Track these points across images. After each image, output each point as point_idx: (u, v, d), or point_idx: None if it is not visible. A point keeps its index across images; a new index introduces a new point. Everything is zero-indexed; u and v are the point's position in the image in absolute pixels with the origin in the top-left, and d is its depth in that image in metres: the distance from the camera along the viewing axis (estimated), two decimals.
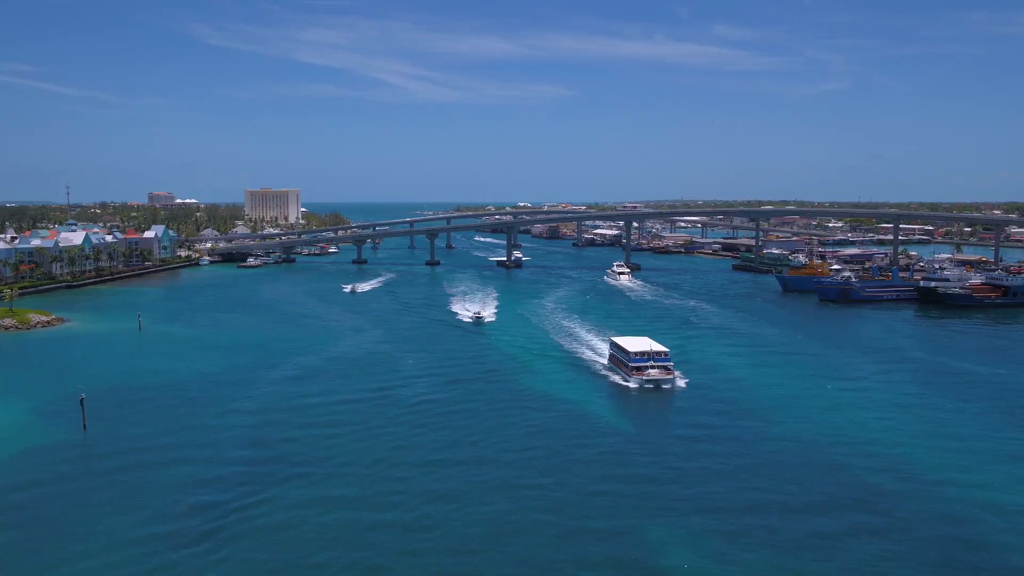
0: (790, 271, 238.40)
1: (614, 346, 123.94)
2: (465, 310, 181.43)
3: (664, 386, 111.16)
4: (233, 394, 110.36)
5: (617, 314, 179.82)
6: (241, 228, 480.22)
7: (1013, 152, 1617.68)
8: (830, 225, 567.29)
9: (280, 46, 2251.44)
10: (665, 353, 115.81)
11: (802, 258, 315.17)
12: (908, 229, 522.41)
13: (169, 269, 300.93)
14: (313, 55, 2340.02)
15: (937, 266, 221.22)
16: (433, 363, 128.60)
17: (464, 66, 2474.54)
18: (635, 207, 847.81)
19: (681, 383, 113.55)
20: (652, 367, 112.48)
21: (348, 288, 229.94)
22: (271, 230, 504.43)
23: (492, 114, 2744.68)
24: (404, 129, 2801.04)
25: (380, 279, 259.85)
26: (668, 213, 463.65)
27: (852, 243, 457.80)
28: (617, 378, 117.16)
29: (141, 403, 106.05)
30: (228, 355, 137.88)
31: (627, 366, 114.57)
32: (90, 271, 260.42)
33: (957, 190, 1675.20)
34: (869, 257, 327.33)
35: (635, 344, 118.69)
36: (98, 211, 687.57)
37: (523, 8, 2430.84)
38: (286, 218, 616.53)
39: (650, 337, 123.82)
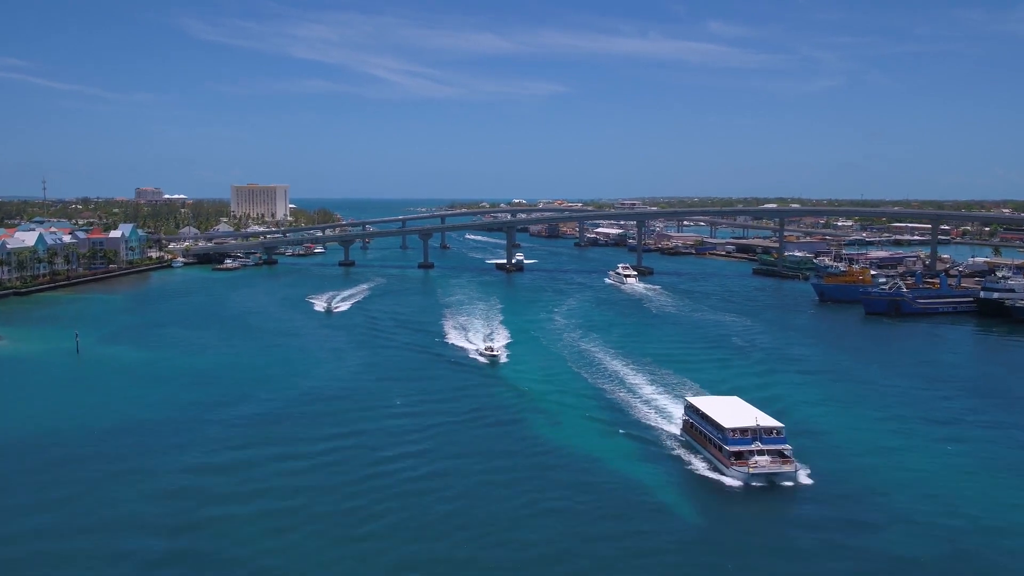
0: (827, 278, 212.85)
1: (693, 411, 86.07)
2: (466, 338, 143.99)
3: (783, 483, 73.84)
4: (162, 452, 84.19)
5: (649, 334, 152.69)
6: (223, 226, 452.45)
7: (1007, 150, 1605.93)
8: (839, 224, 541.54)
9: (274, 42, 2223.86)
10: (778, 430, 78.20)
11: (828, 261, 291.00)
12: (922, 228, 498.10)
13: (137, 272, 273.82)
14: (307, 51, 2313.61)
15: (1000, 274, 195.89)
16: (424, 412, 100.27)
17: (458, 62, 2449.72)
18: (633, 204, 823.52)
19: (804, 477, 75.31)
20: (760, 452, 75.81)
21: (322, 304, 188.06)
22: (256, 228, 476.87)
23: (486, 111, 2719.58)
24: (398, 125, 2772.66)
25: (367, 285, 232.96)
26: (683, 212, 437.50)
27: (869, 243, 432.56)
28: (700, 462, 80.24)
29: (35, 468, 79.59)
30: (173, 390, 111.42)
31: (722, 449, 77.42)
32: (44, 276, 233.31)
33: (951, 188, 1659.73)
34: (899, 260, 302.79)
35: (729, 413, 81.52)
36: (79, 207, 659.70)
37: (518, 4, 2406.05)
38: (273, 215, 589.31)
39: (711, 373, 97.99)
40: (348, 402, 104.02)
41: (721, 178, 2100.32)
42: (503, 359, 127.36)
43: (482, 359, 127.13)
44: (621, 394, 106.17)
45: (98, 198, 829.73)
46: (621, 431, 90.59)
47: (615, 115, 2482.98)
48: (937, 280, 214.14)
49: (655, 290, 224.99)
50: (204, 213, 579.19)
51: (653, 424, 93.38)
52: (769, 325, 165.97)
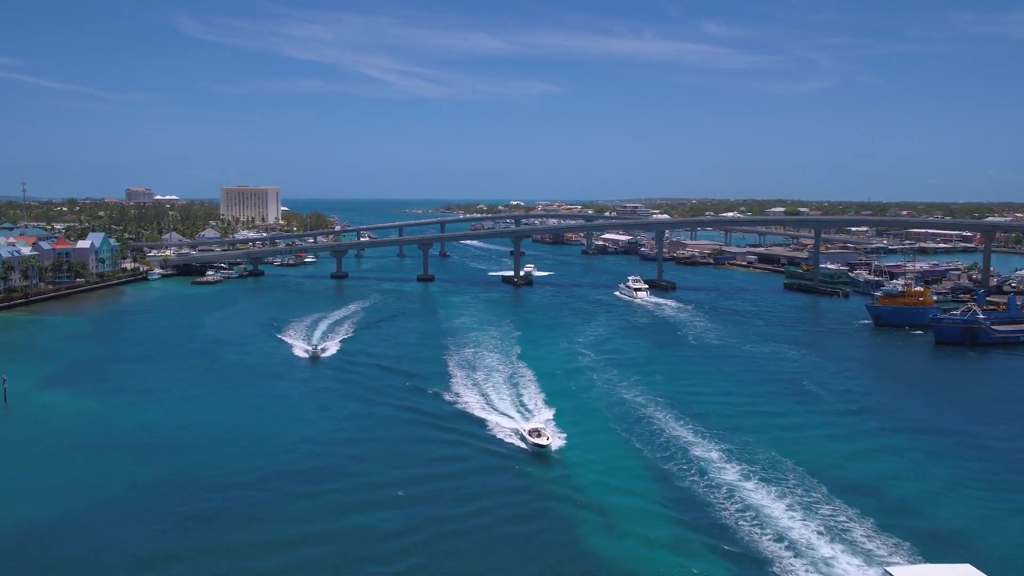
0: (883, 300, 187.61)
1: None
2: (485, 397, 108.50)
3: None
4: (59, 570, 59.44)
5: (700, 377, 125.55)
6: (210, 231, 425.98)
7: (1002, 151, 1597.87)
8: (852, 230, 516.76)
9: (268, 41, 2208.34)
10: None
11: (865, 275, 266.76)
12: (945, 235, 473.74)
13: (107, 287, 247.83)
14: (301, 50, 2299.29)
15: None
16: (430, 539, 71.95)
17: (453, 62, 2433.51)
18: (636, 207, 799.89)
19: None
20: None
21: (306, 349, 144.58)
22: (245, 233, 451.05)
23: (482, 111, 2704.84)
24: (393, 125, 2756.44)
25: (360, 305, 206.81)
26: (708, 221, 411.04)
27: (892, 252, 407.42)
28: None
29: None
30: (106, 464, 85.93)
31: None
32: None
33: (947, 189, 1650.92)
34: (942, 274, 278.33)
35: None
36: (64, 209, 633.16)
37: (512, 5, 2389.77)
38: (264, 218, 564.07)
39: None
40: (334, 495, 78.58)
41: (717, 178, 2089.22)
42: (555, 446, 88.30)
43: (522, 444, 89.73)
44: (710, 497, 73.66)
45: (86, 199, 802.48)
46: None
47: (611, 115, 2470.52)
48: (1004, 302, 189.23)
49: (687, 311, 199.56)
50: (193, 216, 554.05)
51: None
52: (835, 360, 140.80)
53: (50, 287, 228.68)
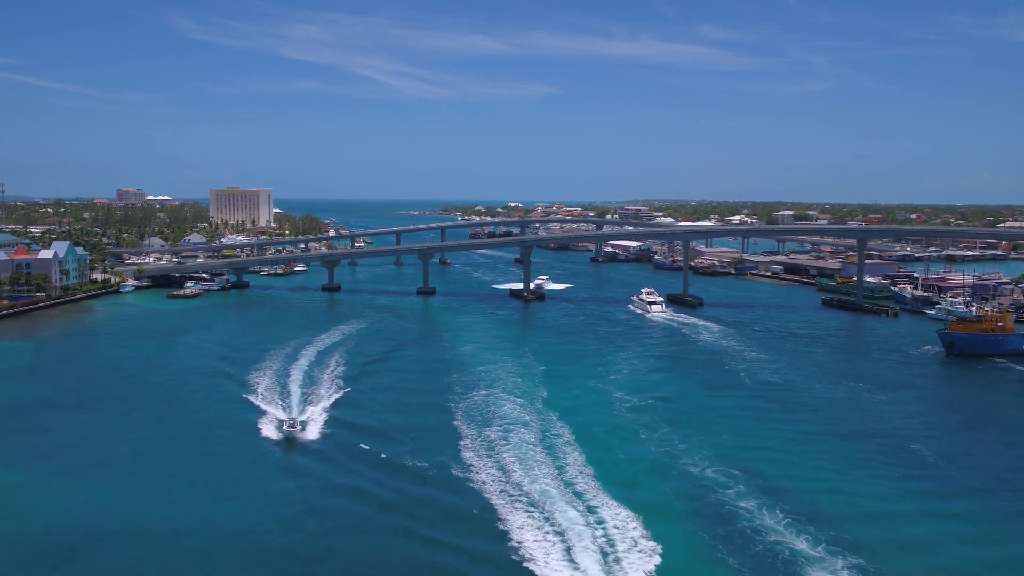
0: (955, 325, 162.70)
1: None
2: (547, 517, 71.59)
3: None
4: None
5: (772, 432, 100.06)
6: (195, 236, 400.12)
7: (998, 153, 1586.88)
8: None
9: (264, 41, 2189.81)
10: None
11: (911, 290, 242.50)
12: (968, 242, 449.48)
13: (72, 301, 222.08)
14: (297, 51, 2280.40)
15: None
16: None
17: (450, 63, 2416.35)
18: (638, 210, 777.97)
19: None
20: None
21: (280, 420, 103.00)
22: (233, 237, 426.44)
23: (478, 112, 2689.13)
24: (389, 126, 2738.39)
25: (352, 327, 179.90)
26: (742, 230, 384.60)
27: (918, 259, 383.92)
28: None
29: None
30: None
31: None
32: None
33: (943, 191, 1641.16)
34: (990, 288, 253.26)
35: None
36: (49, 210, 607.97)
37: (509, 6, 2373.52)
38: (254, 222, 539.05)
39: None
40: None
41: (716, 180, 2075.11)
42: None
43: None
44: None
45: (75, 200, 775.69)
46: None
47: (609, 117, 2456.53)
48: None
49: (729, 334, 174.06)
50: (181, 219, 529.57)
51: None
52: (930, 406, 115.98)
53: (5, 303, 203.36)
